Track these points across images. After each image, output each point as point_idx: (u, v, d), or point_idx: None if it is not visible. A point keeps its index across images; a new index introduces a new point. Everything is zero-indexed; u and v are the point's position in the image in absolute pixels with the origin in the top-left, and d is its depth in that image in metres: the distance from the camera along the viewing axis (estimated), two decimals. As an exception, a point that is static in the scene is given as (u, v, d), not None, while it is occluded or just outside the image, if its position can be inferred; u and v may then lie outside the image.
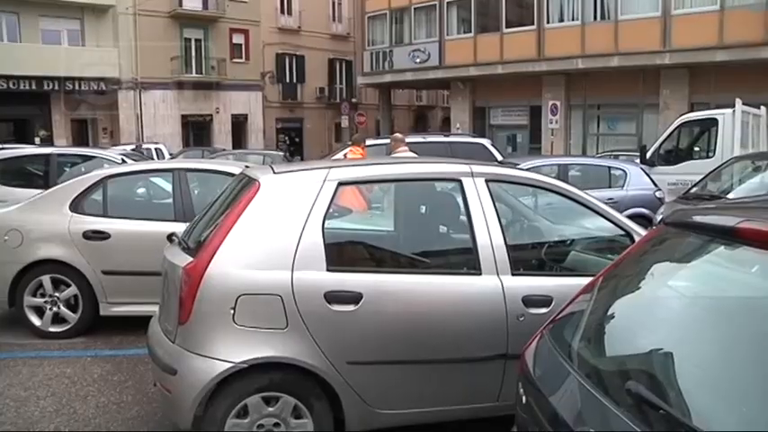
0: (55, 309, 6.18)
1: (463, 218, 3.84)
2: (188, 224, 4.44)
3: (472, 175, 3.88)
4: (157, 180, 6.96)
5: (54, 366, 5.46)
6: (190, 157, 21.19)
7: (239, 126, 34.48)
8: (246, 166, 5.02)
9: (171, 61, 30.92)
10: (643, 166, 12.11)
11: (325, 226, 3.55)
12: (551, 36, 23.74)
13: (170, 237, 4.29)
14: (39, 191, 7.13)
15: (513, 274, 3.73)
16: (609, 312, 2.46)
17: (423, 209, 4.25)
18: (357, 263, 3.80)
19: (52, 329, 6.18)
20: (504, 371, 3.70)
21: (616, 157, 17.30)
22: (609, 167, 11.68)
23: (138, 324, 6.09)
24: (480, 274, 3.70)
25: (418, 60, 27.95)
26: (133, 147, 21.05)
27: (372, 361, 3.56)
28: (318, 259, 3.48)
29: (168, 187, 6.56)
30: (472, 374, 3.72)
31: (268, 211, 3.57)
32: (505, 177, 4.08)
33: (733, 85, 18.67)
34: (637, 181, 11.25)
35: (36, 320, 6.19)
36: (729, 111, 12.48)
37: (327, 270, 3.49)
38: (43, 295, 6.17)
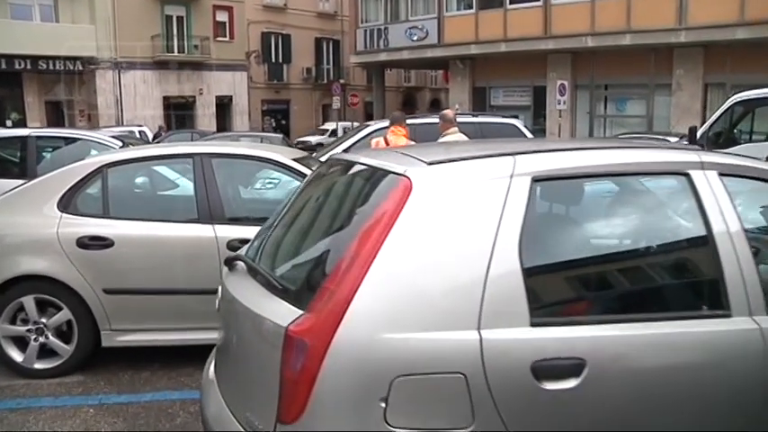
0: (42, 339, 4.71)
1: (697, 231, 2.47)
2: (256, 241, 2.90)
3: (702, 166, 2.53)
4: (173, 169, 5.45)
5: (44, 423, 4.03)
6: (176, 140, 19.52)
7: (224, 108, 33.30)
8: (345, 150, 3.55)
9: (151, 40, 29.47)
10: (699, 150, 10.87)
11: (523, 251, 2.14)
12: (558, 12, 22.53)
13: (230, 261, 2.80)
14: (15, 182, 5.67)
15: None
16: None
17: (637, 218, 2.75)
18: (569, 310, 2.38)
19: (38, 366, 4.72)
20: None
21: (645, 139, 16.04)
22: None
23: (151, 354, 4.78)
24: (730, 315, 2.38)
25: (415, 38, 26.61)
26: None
27: None
28: (518, 308, 2.07)
29: (187, 179, 5.11)
30: None
31: (430, 230, 2.15)
32: (745, 170, 2.69)
33: (751, 64, 17.95)
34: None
35: (16, 355, 4.72)
36: (792, 87, 11.28)
37: (531, 325, 2.10)
38: (25, 322, 4.71)
